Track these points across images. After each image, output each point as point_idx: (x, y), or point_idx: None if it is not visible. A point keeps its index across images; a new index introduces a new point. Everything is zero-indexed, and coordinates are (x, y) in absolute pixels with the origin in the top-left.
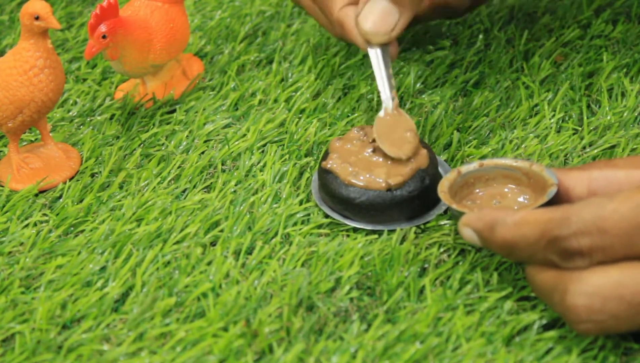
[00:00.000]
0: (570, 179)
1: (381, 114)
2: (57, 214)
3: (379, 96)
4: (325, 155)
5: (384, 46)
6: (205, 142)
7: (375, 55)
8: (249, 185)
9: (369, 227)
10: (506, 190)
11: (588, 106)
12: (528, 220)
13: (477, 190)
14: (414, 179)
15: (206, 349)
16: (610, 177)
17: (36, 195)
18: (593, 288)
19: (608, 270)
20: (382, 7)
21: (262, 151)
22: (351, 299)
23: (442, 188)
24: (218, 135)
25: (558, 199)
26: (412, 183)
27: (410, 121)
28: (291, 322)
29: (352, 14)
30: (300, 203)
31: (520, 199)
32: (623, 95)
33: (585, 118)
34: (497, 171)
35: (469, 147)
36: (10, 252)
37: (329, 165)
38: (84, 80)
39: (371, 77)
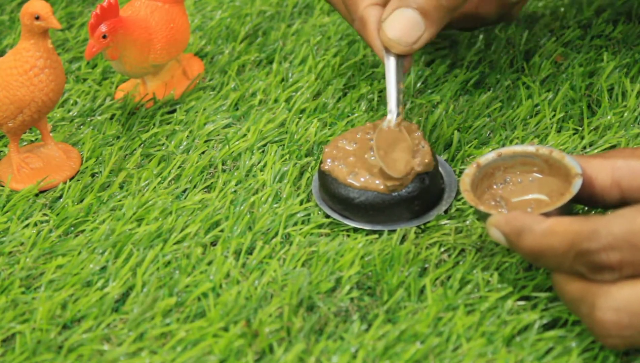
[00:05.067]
0: (592, 167)
1: (384, 125)
2: (58, 214)
3: (379, 97)
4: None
5: (400, 57)
6: (205, 142)
7: (391, 65)
8: (249, 185)
9: (368, 227)
10: (530, 179)
11: (588, 106)
12: (556, 231)
13: (507, 178)
14: (413, 180)
15: (206, 349)
16: (635, 168)
17: (36, 195)
18: (621, 304)
19: (637, 284)
20: (409, 17)
21: (263, 151)
22: (351, 299)
23: (465, 187)
24: (218, 135)
25: (584, 186)
26: (411, 184)
27: (408, 140)
28: (291, 322)
29: (376, 14)
30: (301, 203)
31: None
32: (623, 95)
33: (585, 118)
34: (516, 160)
35: (470, 147)
36: (10, 252)
37: (327, 167)
38: (84, 80)
39: (371, 77)
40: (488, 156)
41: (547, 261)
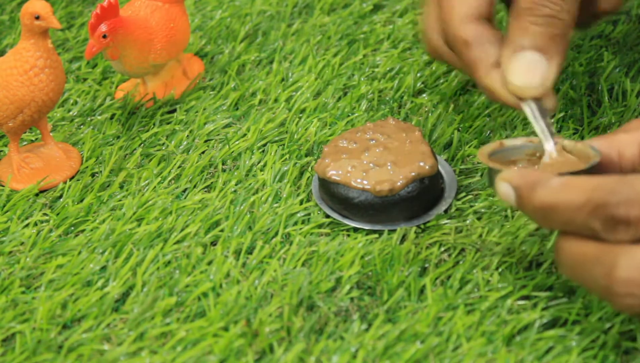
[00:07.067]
0: (619, 142)
1: (546, 159)
2: (58, 214)
3: (379, 96)
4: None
5: (537, 99)
6: (205, 141)
7: (530, 110)
8: (250, 184)
9: (368, 227)
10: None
11: (588, 106)
12: (574, 184)
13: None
14: (413, 180)
15: (206, 349)
16: None
17: (36, 194)
18: None
19: None
20: (528, 59)
21: (263, 151)
22: (352, 299)
23: (482, 152)
24: (218, 134)
25: (609, 164)
26: (411, 184)
27: (575, 160)
28: (292, 322)
29: (498, 77)
30: (301, 202)
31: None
32: (623, 95)
33: (585, 117)
34: (542, 148)
35: (469, 146)
36: (10, 252)
37: (326, 167)
38: (85, 79)
39: (371, 77)
40: (516, 140)
41: (557, 217)
